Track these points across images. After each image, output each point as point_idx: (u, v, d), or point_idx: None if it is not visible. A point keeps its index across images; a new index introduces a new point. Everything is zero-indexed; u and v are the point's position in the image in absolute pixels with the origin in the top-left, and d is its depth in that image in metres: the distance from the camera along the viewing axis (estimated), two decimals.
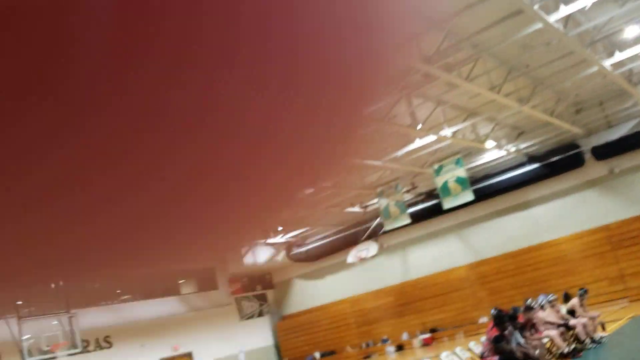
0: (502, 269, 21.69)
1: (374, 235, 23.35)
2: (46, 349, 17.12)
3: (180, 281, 25.53)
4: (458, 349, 9.67)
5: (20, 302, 16.98)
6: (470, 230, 22.75)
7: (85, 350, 20.11)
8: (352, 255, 22.63)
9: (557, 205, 20.84)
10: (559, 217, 20.67)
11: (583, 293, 12.91)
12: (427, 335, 22.94)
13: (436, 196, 20.54)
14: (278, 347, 27.75)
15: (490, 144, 17.53)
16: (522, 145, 19.65)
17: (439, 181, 18.36)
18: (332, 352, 26.12)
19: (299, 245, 26.61)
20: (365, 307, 25.51)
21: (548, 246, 20.79)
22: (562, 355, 11.15)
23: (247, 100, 0.50)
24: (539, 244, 20.98)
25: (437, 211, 21.58)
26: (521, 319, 10.42)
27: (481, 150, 19.15)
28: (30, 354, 16.59)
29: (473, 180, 20.05)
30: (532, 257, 21.05)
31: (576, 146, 19.92)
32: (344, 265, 25.13)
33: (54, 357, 17.29)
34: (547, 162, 20.27)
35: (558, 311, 12.44)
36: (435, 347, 20.83)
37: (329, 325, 26.56)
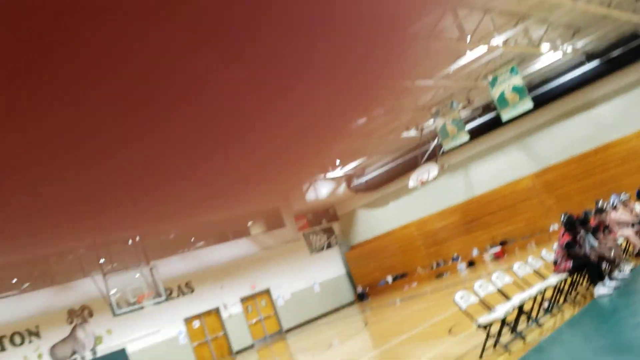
0: (568, 174, 21.15)
1: (434, 156, 23.13)
2: (133, 300, 18.05)
3: (249, 223, 26.27)
4: (530, 259, 9.64)
5: (103, 260, 17.98)
6: (532, 138, 22.17)
7: (169, 297, 21.26)
8: (413, 180, 22.55)
9: (622, 101, 19.91)
10: (625, 113, 19.78)
11: None
12: (498, 249, 22.94)
13: (494, 109, 20.04)
14: (350, 276, 28.47)
15: (545, 47, 16.75)
16: (579, 44, 18.66)
17: (495, 93, 17.83)
18: (403, 275, 26.61)
19: (359, 176, 26.74)
20: (432, 228, 25.63)
21: (615, 145, 20.03)
22: (638, 254, 10.94)
23: (288, 28, 0.50)
24: (605, 144, 20.24)
25: (496, 124, 21.13)
26: (593, 222, 10.22)
27: (536, 55, 18.34)
28: (119, 307, 17.58)
29: (530, 87, 19.37)
30: (599, 158, 20.37)
31: (638, 36, 18.78)
32: (406, 190, 25.14)
33: (141, 307, 18.26)
34: (608, 58, 19.26)
35: (632, 210, 12.13)
36: (507, 259, 20.84)
37: (398, 249, 26.93)
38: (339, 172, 24.91)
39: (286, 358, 15.57)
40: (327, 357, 12.59)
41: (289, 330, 24.44)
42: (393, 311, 17.69)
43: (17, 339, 18.10)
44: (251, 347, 23.07)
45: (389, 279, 27.02)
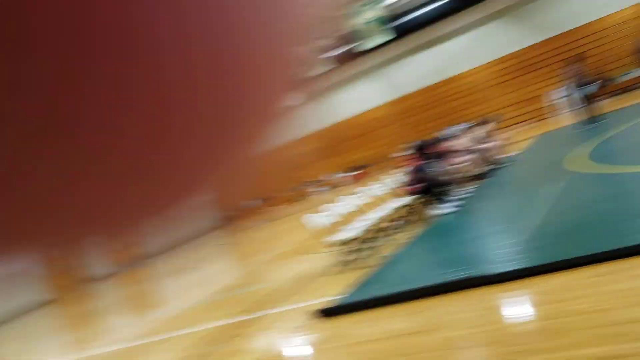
0: (419, 103, 22.39)
1: None
2: None
3: None
4: (376, 185, 10.26)
5: None
6: (391, 68, 22.91)
7: None
8: None
9: (466, 38, 21.18)
10: (468, 50, 21.13)
11: (493, 120, 13.70)
12: (353, 174, 23.92)
13: (355, 39, 20.39)
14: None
15: None
16: None
17: (356, 23, 18.11)
18: (264, 199, 26.99)
19: None
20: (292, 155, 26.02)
21: (459, 78, 21.53)
22: (476, 176, 12.00)
23: None
24: (451, 77, 21.69)
25: (356, 54, 21.63)
26: (437, 148, 11.01)
27: None
28: None
29: (391, 17, 19.87)
30: (446, 89, 21.79)
31: None
32: None
33: None
34: None
35: (473, 138, 13.16)
36: (362, 184, 21.81)
37: (259, 177, 27.12)
38: None
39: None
40: (189, 280, 12.70)
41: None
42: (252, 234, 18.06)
43: None
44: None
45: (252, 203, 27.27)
